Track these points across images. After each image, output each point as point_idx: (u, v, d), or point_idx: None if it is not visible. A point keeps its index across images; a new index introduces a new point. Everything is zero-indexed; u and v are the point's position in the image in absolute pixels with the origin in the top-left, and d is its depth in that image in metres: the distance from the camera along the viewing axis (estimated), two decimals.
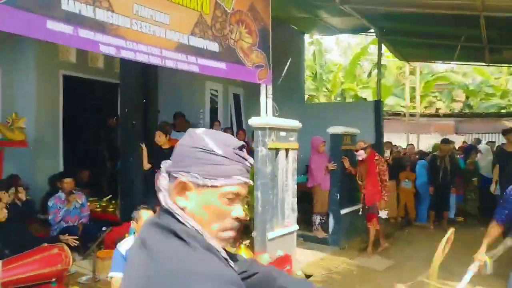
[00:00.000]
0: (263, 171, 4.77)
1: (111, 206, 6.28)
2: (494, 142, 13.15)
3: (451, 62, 13.70)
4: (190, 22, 3.74)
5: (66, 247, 3.95)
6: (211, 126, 8.35)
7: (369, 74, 22.55)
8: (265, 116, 4.95)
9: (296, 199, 5.41)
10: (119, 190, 6.07)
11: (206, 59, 3.99)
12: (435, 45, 9.20)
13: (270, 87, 4.95)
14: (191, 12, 3.73)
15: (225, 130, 8.42)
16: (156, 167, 5.84)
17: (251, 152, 6.18)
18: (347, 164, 6.48)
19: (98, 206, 6.19)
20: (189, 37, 3.74)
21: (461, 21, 6.94)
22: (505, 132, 7.55)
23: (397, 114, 18.41)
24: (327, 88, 20.92)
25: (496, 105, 19.46)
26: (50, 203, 5.14)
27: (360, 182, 6.31)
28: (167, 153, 5.86)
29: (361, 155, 6.07)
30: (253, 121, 4.80)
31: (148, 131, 5.92)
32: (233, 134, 8.67)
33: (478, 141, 13.60)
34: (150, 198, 5.32)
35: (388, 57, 16.46)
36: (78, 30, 2.74)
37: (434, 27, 7.86)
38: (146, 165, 5.71)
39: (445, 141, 8.33)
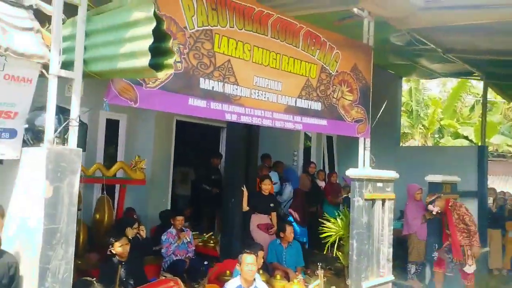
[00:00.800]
0: (359, 221, 4.89)
1: (211, 242, 6.80)
2: None
3: None
4: (298, 86, 4.14)
5: (180, 281, 4.43)
6: (305, 168, 8.61)
7: (472, 108, 20.90)
8: (362, 167, 5.11)
9: (392, 249, 5.41)
10: (221, 228, 6.57)
11: (310, 117, 4.33)
12: None
13: (368, 140, 5.11)
14: (300, 78, 4.14)
15: (318, 172, 8.63)
16: (254, 210, 6.28)
17: (347, 199, 6.37)
18: (435, 212, 6.31)
19: (200, 241, 6.74)
20: (296, 99, 4.14)
21: None
22: None
23: (502, 156, 16.99)
24: (423, 125, 20.02)
25: None
26: (163, 237, 5.75)
27: (447, 232, 6.10)
28: (266, 199, 6.32)
29: (431, 209, 6.00)
30: (351, 172, 4.98)
31: (248, 174, 6.38)
32: (325, 176, 8.84)
33: None
34: (249, 240, 5.78)
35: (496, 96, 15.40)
36: (210, 103, 3.28)
37: None
38: (245, 207, 6.15)
39: None
